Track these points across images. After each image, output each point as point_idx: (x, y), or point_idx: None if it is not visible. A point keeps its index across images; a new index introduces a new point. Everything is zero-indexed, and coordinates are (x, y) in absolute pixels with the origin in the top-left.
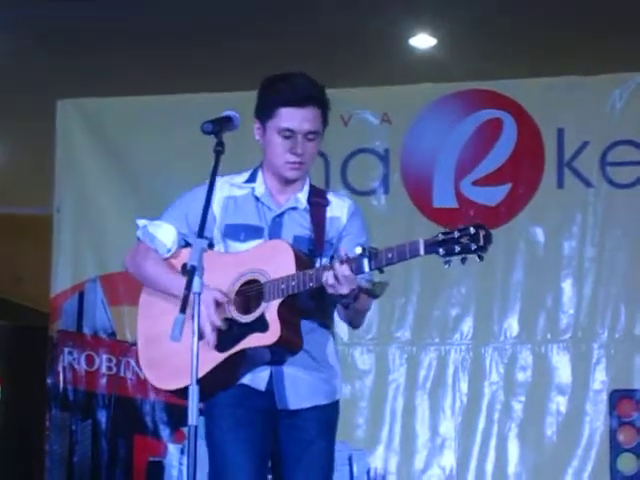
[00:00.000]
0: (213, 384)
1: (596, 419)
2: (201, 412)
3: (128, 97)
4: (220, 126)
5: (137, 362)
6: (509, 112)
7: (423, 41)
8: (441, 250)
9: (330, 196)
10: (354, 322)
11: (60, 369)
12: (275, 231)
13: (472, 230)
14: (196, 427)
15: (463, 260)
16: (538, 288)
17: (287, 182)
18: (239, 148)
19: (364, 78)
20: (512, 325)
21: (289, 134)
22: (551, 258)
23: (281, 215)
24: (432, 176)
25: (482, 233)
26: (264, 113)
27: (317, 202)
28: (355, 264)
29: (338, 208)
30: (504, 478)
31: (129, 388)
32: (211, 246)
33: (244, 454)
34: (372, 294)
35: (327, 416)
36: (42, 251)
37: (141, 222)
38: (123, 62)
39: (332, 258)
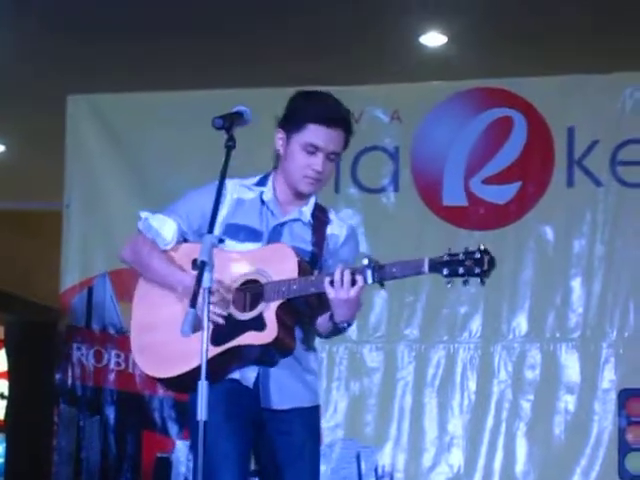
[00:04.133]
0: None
1: (604, 418)
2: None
3: (138, 93)
4: (231, 121)
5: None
6: (519, 110)
7: (433, 39)
8: (445, 270)
9: (332, 215)
10: (327, 336)
11: (69, 365)
12: (274, 239)
13: (477, 255)
14: (205, 422)
15: (465, 282)
16: (547, 287)
17: (299, 195)
18: (250, 146)
19: (374, 76)
20: (521, 324)
21: (313, 150)
22: (560, 257)
23: (283, 224)
24: (442, 174)
25: (487, 258)
26: (291, 125)
27: (320, 218)
28: (359, 272)
29: (337, 227)
30: (512, 476)
31: (137, 384)
32: (221, 241)
33: (234, 449)
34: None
35: (312, 419)
36: (50, 247)
37: (143, 214)
38: (131, 57)
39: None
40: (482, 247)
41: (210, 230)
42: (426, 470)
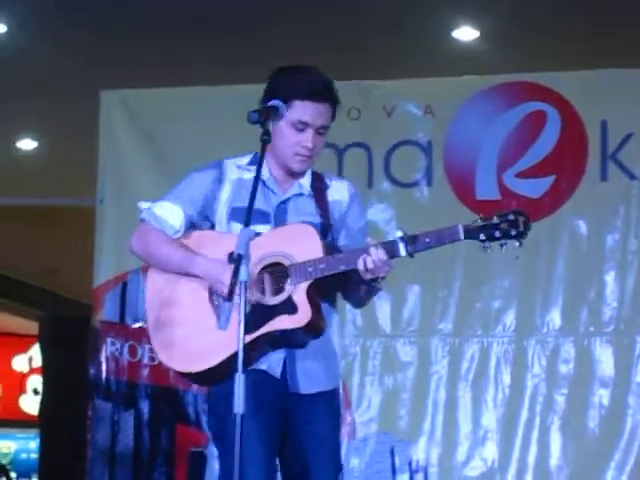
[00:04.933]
0: (230, 368)
1: (639, 412)
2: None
3: (169, 88)
4: (266, 115)
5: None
6: (553, 104)
7: (466, 33)
8: (482, 235)
9: (328, 180)
10: (363, 303)
11: (103, 359)
12: (280, 217)
13: (511, 216)
14: (243, 415)
15: (502, 246)
16: (581, 281)
17: (292, 174)
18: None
19: (407, 70)
20: (555, 318)
21: (302, 127)
22: (594, 251)
23: (286, 201)
24: (475, 168)
25: (521, 219)
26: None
27: (318, 187)
28: (391, 248)
29: (338, 191)
30: (546, 470)
31: (171, 379)
32: (212, 227)
33: (264, 442)
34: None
35: (336, 402)
36: (81, 243)
37: (144, 204)
38: (163, 53)
39: (334, 240)
40: (514, 208)
41: (247, 223)
42: (460, 464)
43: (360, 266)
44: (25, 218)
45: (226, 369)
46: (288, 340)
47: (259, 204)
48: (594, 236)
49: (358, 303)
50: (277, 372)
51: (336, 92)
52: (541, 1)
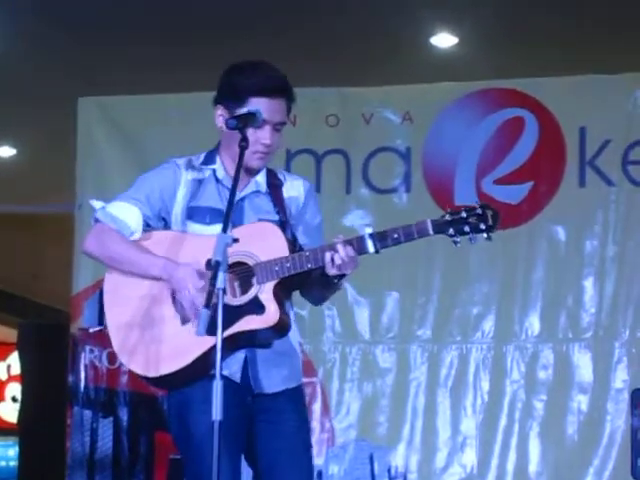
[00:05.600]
0: (194, 372)
1: (617, 418)
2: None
3: (147, 95)
4: (245, 122)
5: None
6: (531, 111)
7: (444, 40)
8: (451, 230)
9: (281, 175)
10: (322, 301)
11: (81, 367)
12: (237, 215)
13: (479, 210)
14: (220, 422)
15: (471, 240)
16: (559, 287)
17: (249, 171)
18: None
19: (385, 76)
20: (533, 324)
21: (260, 124)
22: (572, 257)
23: (242, 199)
24: (454, 174)
25: (489, 213)
26: (231, 101)
27: (274, 184)
28: (359, 244)
29: (293, 187)
30: (525, 477)
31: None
32: (166, 227)
33: (226, 453)
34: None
35: (301, 399)
36: (58, 249)
37: (97, 203)
38: (140, 59)
39: (294, 237)
40: (480, 202)
41: (224, 229)
42: (439, 470)
43: (327, 262)
44: (4, 225)
45: (191, 373)
46: (255, 340)
47: (216, 203)
48: (572, 242)
49: (319, 300)
50: (237, 376)
51: (291, 87)
52: (519, 8)
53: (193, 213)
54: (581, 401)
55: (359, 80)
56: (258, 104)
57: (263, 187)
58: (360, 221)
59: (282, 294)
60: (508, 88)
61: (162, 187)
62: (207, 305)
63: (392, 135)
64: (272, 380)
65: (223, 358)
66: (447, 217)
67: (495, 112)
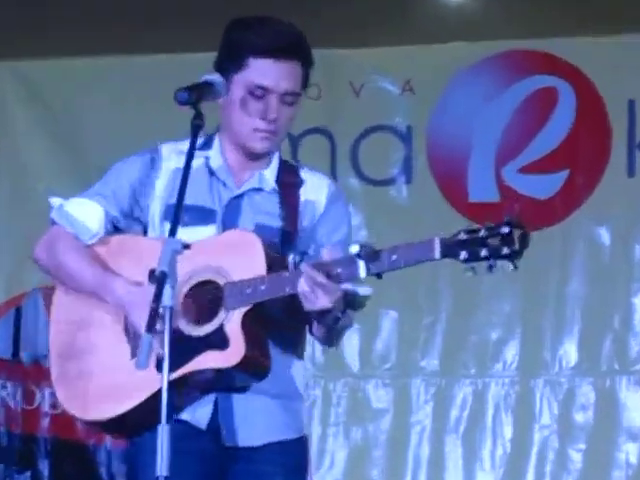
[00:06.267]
0: (145, 417)
1: None
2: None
3: (76, 58)
4: (199, 94)
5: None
6: (566, 79)
7: None
8: (463, 254)
9: (304, 173)
10: (331, 341)
11: None
12: (231, 217)
13: (505, 229)
14: (166, 478)
15: (490, 268)
16: (603, 304)
17: (252, 156)
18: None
19: (380, 36)
20: (569, 352)
21: (261, 93)
22: (619, 266)
23: (240, 197)
24: (467, 161)
25: (518, 233)
26: (229, 64)
27: (288, 182)
28: (346, 267)
29: (314, 189)
30: None
31: (79, 430)
32: (145, 232)
33: None
34: (355, 305)
35: (294, 457)
36: None
37: (55, 201)
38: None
39: (304, 254)
40: (510, 215)
41: (172, 231)
42: None
43: (299, 291)
44: None
45: (142, 418)
46: (221, 382)
47: (203, 200)
48: (619, 247)
49: (323, 340)
50: (203, 422)
51: (308, 49)
52: None
53: (169, 212)
54: (630, 451)
55: (346, 40)
56: (262, 67)
57: (269, 183)
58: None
59: (256, 325)
60: (537, 51)
61: (133, 179)
62: (149, 329)
63: (389, 110)
64: (253, 431)
65: (186, 402)
66: (461, 235)
67: (520, 81)
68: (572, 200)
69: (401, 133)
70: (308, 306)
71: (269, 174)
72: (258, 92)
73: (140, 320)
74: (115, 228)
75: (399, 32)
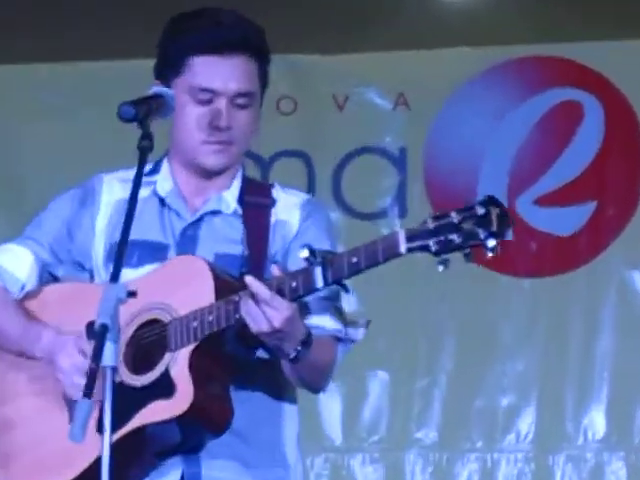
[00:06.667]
0: None
1: None
2: None
3: (11, 65)
4: (147, 110)
5: None
6: (592, 92)
7: None
8: (432, 244)
9: (277, 192)
10: (310, 383)
11: None
12: (186, 250)
13: (479, 209)
14: None
15: (467, 257)
16: (636, 364)
17: (206, 174)
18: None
19: (370, 40)
20: (596, 421)
21: (208, 98)
22: None
23: (196, 224)
24: (474, 190)
25: (495, 212)
26: (168, 68)
27: (255, 202)
28: (299, 278)
29: (286, 208)
30: None
31: None
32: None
33: None
34: (342, 337)
35: None
36: None
37: None
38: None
39: None
40: (485, 196)
41: (114, 275)
42: None
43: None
44: None
45: None
46: (172, 439)
47: (154, 233)
48: None
49: (302, 383)
50: None
51: (260, 39)
52: None
53: (115, 251)
54: None
55: (329, 44)
56: (204, 66)
57: (230, 206)
58: None
59: (209, 365)
60: (556, 57)
61: (69, 218)
62: (88, 392)
63: (379, 128)
64: None
65: (146, 469)
66: (429, 223)
67: (537, 94)
68: (600, 238)
69: (393, 156)
70: (253, 327)
71: (229, 196)
72: (203, 96)
73: (71, 380)
74: (54, 277)
75: (390, 35)
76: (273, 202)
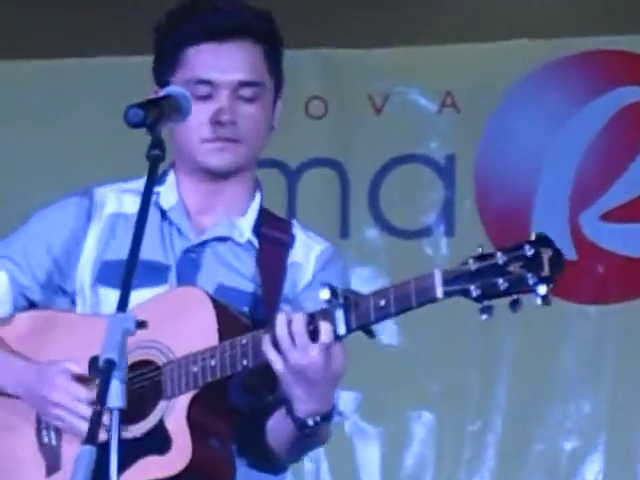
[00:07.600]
0: None
1: None
2: None
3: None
4: (158, 113)
5: None
6: None
7: None
8: (473, 288)
9: (297, 230)
10: (286, 459)
11: None
12: (186, 275)
13: (529, 250)
14: None
15: (514, 305)
16: None
17: (214, 180)
18: None
19: (413, 33)
20: None
21: (208, 91)
22: None
23: (201, 247)
24: (531, 204)
25: (547, 254)
26: (165, 66)
27: (273, 237)
28: (324, 319)
29: (303, 249)
30: None
31: None
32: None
33: None
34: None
35: None
36: None
37: None
38: None
39: None
40: (535, 235)
41: (122, 303)
42: None
43: (267, 350)
44: None
45: None
46: None
47: (153, 252)
48: None
49: (276, 455)
50: None
51: (267, 21)
52: None
53: (107, 272)
54: None
55: (365, 37)
56: (202, 55)
57: (244, 235)
58: (368, 287)
59: (210, 417)
60: (625, 51)
61: (52, 239)
62: (91, 440)
63: (422, 133)
64: None
65: None
66: (470, 264)
67: (603, 94)
68: None
69: (439, 165)
70: (287, 377)
71: (244, 223)
72: (202, 90)
73: (61, 418)
74: (30, 301)
75: (435, 26)
76: (292, 240)
